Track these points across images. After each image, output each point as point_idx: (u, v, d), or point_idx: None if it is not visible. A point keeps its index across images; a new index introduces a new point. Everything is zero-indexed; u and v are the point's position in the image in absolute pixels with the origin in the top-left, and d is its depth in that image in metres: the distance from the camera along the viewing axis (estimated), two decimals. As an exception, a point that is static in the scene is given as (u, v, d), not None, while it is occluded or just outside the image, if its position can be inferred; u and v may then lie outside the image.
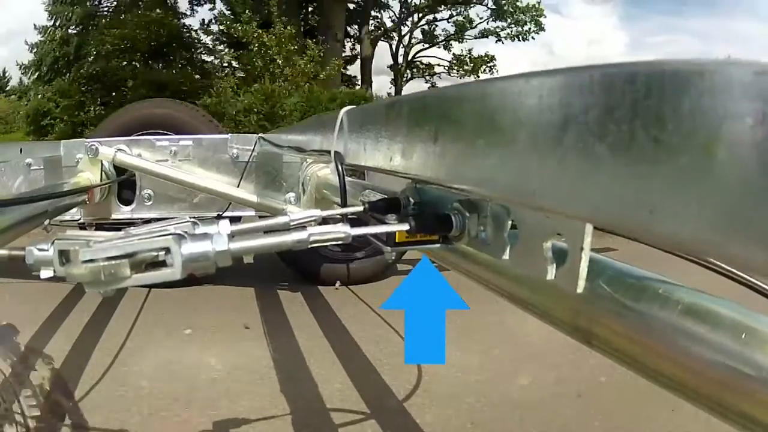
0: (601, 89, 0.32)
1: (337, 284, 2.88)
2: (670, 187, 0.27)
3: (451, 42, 17.11)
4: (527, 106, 0.39)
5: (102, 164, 2.29)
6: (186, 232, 0.55)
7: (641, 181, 0.29)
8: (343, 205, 0.92)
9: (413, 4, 16.48)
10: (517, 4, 15.69)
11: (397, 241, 0.64)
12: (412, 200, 0.73)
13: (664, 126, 0.27)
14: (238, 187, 2.46)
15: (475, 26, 16.55)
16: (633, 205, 0.29)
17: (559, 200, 0.36)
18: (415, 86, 17.52)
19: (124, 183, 2.44)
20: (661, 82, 0.27)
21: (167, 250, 0.51)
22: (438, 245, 0.64)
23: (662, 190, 0.27)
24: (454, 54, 17.11)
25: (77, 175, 2.22)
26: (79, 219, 2.39)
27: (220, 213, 2.49)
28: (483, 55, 16.76)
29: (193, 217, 0.63)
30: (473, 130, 0.47)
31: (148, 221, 1.34)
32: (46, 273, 0.55)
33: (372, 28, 16.44)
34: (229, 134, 2.61)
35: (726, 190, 0.24)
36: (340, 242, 0.60)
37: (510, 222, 0.55)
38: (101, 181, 2.24)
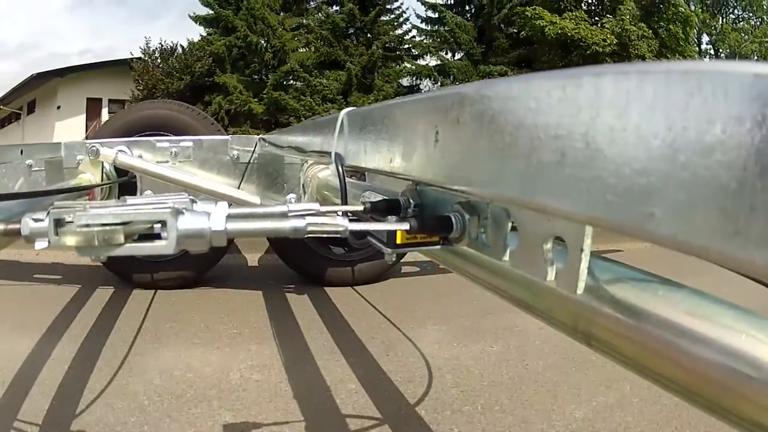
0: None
1: None
2: (669, 188, 0.27)
3: None
4: (528, 108, 0.39)
5: (103, 165, 2.29)
6: (184, 208, 0.54)
7: (641, 182, 0.29)
8: (344, 205, 0.91)
9: None
10: None
11: (397, 242, 0.64)
12: (412, 201, 0.73)
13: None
14: (239, 188, 2.46)
15: None
16: (633, 207, 0.29)
17: (559, 202, 0.36)
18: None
19: (125, 184, 2.45)
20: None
21: (164, 223, 0.51)
22: (438, 247, 0.64)
23: (664, 191, 0.27)
24: None
25: (78, 177, 2.23)
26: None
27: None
28: None
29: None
30: (474, 132, 0.47)
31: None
32: (40, 244, 0.54)
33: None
34: (230, 135, 2.61)
35: (725, 192, 0.24)
36: (337, 235, 0.60)
37: (510, 223, 0.55)
38: (102, 182, 2.25)
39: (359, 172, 1.74)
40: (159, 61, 14.80)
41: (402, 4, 15.93)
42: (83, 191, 1.98)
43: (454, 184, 0.53)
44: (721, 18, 15.86)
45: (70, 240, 0.50)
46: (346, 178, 0.95)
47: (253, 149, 2.49)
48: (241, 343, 2.14)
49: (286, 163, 2.48)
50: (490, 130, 0.44)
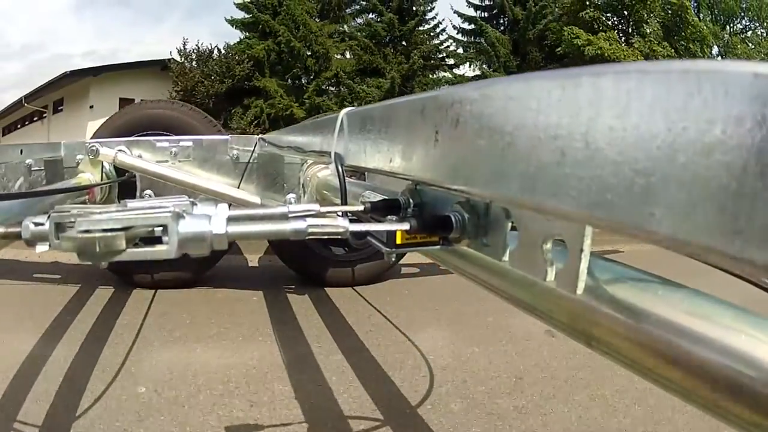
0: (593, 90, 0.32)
1: None
2: (669, 188, 0.27)
3: None
4: (528, 108, 0.39)
5: (102, 165, 2.29)
6: (185, 211, 0.54)
7: (641, 182, 0.29)
8: (344, 205, 0.91)
9: None
10: None
11: (397, 242, 0.64)
12: (412, 201, 0.73)
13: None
14: (238, 188, 2.46)
15: None
16: (633, 207, 0.29)
17: (559, 202, 0.36)
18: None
19: (125, 184, 2.44)
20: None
21: (164, 227, 0.51)
22: (438, 246, 0.64)
23: (664, 191, 0.27)
24: None
25: (77, 176, 2.22)
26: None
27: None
28: None
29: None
30: (474, 132, 0.47)
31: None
32: (41, 247, 0.54)
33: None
34: (229, 135, 2.61)
35: (725, 191, 0.24)
36: (337, 237, 0.60)
37: (510, 223, 0.55)
38: (102, 182, 2.25)
39: (359, 172, 1.74)
40: (196, 63, 14.94)
41: (437, 14, 16.96)
42: (83, 190, 1.98)
43: (454, 184, 0.53)
44: (728, 28, 16.18)
45: (72, 245, 0.50)
46: (345, 178, 0.95)
47: (252, 149, 2.49)
48: (242, 342, 2.14)
49: (285, 162, 2.47)
50: (490, 130, 0.44)
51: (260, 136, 2.53)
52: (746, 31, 16.52)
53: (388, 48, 15.95)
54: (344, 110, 0.97)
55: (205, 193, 2.42)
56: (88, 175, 2.23)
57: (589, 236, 0.44)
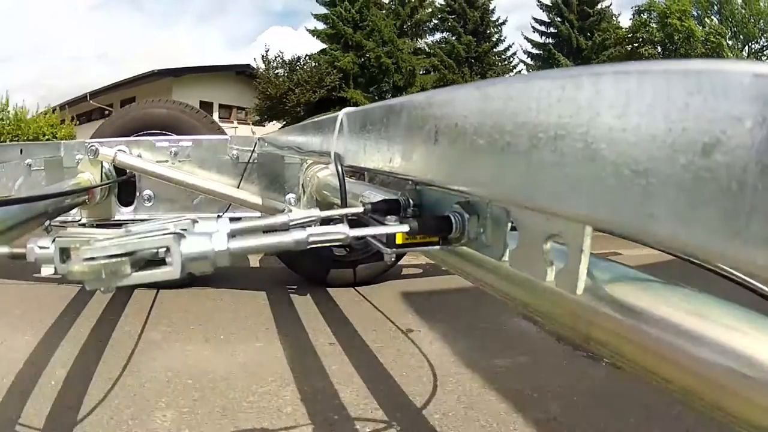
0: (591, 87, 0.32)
1: None
2: (669, 188, 0.27)
3: None
4: (528, 108, 0.39)
5: (102, 165, 2.29)
6: (186, 230, 0.55)
7: (641, 183, 0.29)
8: (343, 206, 0.92)
9: None
10: None
11: (397, 242, 0.64)
12: (411, 202, 0.73)
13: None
14: (238, 188, 2.46)
15: None
16: (632, 207, 0.29)
17: (559, 202, 0.36)
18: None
19: (125, 184, 2.44)
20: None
21: (167, 249, 0.51)
22: (438, 247, 0.64)
23: (664, 192, 0.27)
24: None
25: (77, 176, 2.22)
26: (80, 219, 2.39)
27: (220, 215, 2.49)
28: None
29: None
30: (474, 132, 0.47)
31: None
32: (46, 270, 0.55)
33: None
34: (229, 135, 2.61)
35: (725, 192, 0.24)
36: (339, 243, 0.60)
37: (510, 224, 0.55)
38: (101, 181, 2.24)
39: (359, 172, 1.74)
40: (279, 71, 15.44)
41: (506, 37, 18.90)
42: (82, 191, 1.98)
43: (454, 184, 0.53)
44: (747, 49, 16.81)
45: (77, 272, 0.50)
46: (345, 178, 0.95)
47: (252, 149, 2.49)
48: (244, 341, 2.14)
49: (285, 163, 2.47)
50: (489, 130, 0.44)
51: (260, 136, 2.53)
52: (764, 50, 17.37)
53: (465, 67, 17.24)
54: (344, 110, 0.97)
55: (205, 193, 2.42)
56: (88, 175, 2.23)
57: (589, 236, 0.44)
